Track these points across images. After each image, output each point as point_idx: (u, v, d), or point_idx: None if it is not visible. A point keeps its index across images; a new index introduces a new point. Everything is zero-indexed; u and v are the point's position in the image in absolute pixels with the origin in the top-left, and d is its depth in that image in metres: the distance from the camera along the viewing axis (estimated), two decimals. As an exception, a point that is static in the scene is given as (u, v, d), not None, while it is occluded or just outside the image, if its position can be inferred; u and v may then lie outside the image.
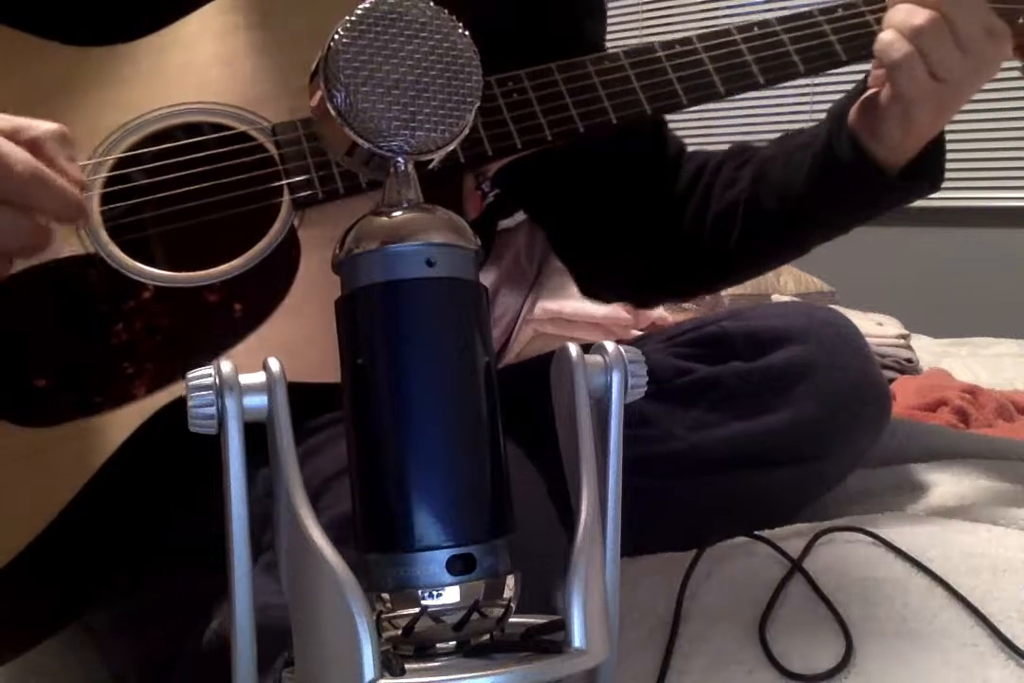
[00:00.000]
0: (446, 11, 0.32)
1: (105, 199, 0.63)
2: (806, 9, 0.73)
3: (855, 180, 0.72)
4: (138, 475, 0.60)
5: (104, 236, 0.63)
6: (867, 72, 0.73)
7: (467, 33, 0.32)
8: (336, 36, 0.30)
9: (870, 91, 0.71)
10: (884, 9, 0.70)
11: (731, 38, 0.72)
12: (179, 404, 0.58)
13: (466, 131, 0.32)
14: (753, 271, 0.93)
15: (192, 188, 0.63)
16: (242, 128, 0.65)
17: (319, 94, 0.31)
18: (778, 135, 0.84)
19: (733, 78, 0.71)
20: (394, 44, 0.31)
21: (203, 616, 0.58)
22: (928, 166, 0.72)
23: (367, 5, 0.31)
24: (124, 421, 0.59)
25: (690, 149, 0.91)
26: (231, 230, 0.63)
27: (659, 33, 2.88)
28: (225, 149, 0.64)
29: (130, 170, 0.64)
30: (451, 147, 0.32)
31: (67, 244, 0.61)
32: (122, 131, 0.64)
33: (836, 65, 0.72)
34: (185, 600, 0.63)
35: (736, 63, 0.72)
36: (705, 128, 2.73)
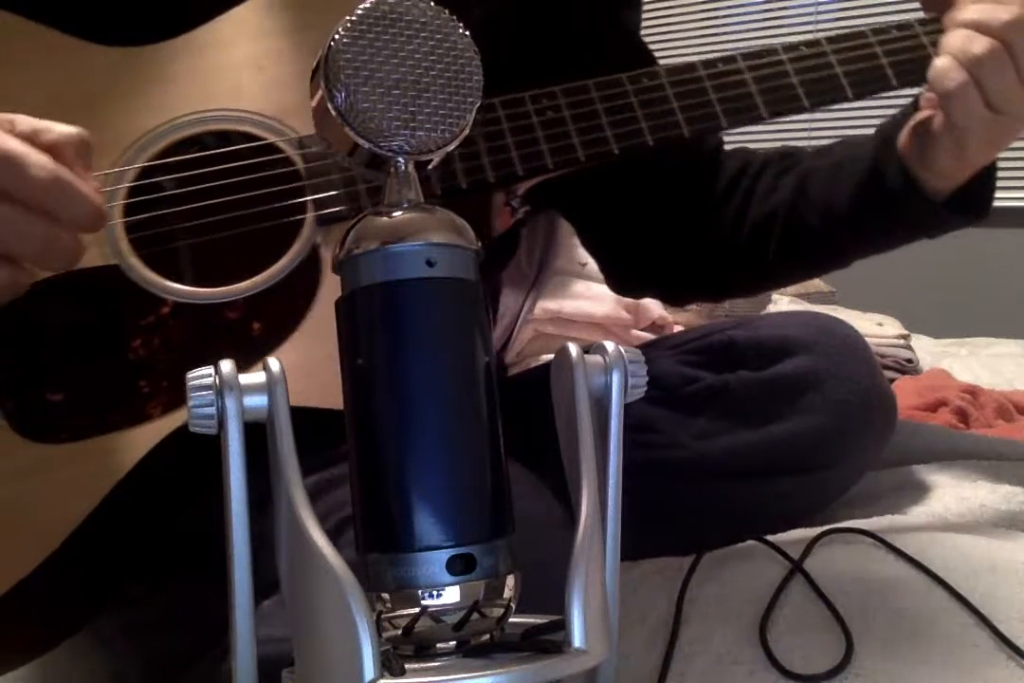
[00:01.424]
0: (446, 11, 0.32)
1: (128, 209, 0.62)
2: (858, 29, 0.70)
3: (901, 205, 0.70)
4: (151, 494, 0.60)
5: (125, 247, 0.61)
6: (917, 93, 0.70)
7: (467, 33, 0.32)
8: (336, 36, 0.30)
9: (922, 114, 0.68)
10: (940, 31, 0.66)
11: (777, 57, 0.69)
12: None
13: (466, 131, 0.32)
14: (791, 279, 0.92)
15: (216, 201, 0.62)
16: (270, 139, 0.64)
17: (319, 94, 0.31)
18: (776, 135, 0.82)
19: (777, 101, 0.68)
20: (394, 44, 0.31)
21: (210, 629, 0.58)
22: (976, 194, 0.70)
23: (367, 5, 0.31)
24: (139, 441, 0.58)
25: (729, 147, 0.89)
26: (255, 245, 0.62)
27: (660, 32, 2.89)
28: (251, 161, 0.63)
29: (154, 180, 0.63)
30: (451, 147, 0.32)
31: (88, 254, 0.59)
32: (148, 137, 0.63)
33: (886, 89, 0.69)
34: (193, 612, 0.63)
35: (781, 85, 0.68)
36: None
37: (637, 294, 1.04)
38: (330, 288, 0.61)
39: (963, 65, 0.62)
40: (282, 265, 0.62)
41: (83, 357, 0.60)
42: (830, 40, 0.70)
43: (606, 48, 0.69)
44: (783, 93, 0.68)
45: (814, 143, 0.85)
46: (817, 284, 1.97)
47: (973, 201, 0.70)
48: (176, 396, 0.59)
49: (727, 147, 0.88)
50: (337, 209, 0.63)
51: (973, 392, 1.23)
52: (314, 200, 0.63)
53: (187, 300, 0.61)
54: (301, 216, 0.63)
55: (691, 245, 0.87)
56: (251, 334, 0.61)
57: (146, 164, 0.63)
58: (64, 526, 0.57)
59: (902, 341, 1.51)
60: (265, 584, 0.32)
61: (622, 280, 0.95)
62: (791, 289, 1.92)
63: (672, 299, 1.03)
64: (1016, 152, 2.46)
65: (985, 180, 0.70)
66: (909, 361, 1.45)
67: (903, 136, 0.70)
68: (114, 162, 0.62)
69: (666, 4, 2.89)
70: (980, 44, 0.62)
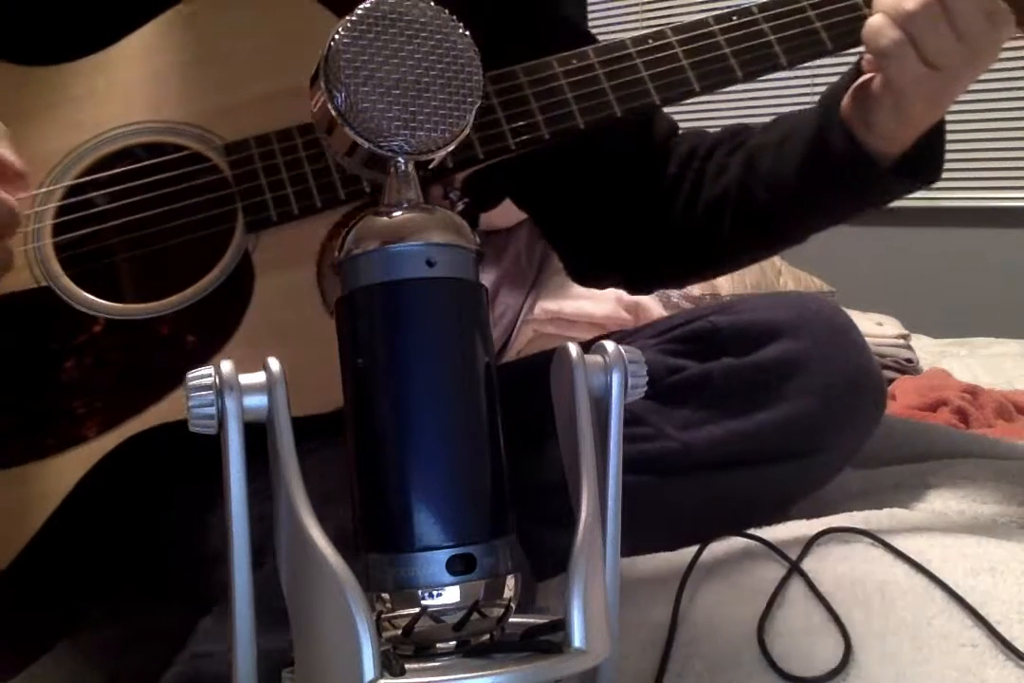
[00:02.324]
0: (446, 11, 0.32)
1: (57, 229, 0.61)
2: None
3: (847, 171, 0.69)
4: (93, 515, 0.59)
5: (56, 268, 0.61)
6: (861, 54, 0.68)
7: (467, 33, 0.32)
8: (336, 36, 0.30)
9: (864, 77, 0.67)
10: None
11: (708, 29, 0.67)
12: (129, 446, 0.57)
13: (466, 131, 0.32)
14: (747, 259, 0.91)
15: (145, 214, 0.61)
16: (195, 148, 0.63)
17: (320, 95, 0.31)
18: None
19: (709, 74, 0.67)
20: (394, 44, 0.31)
21: (174, 646, 0.57)
22: (925, 158, 0.69)
23: (367, 5, 0.31)
24: (76, 463, 0.57)
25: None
26: (188, 256, 0.61)
27: (659, 33, 2.88)
28: (178, 172, 0.62)
29: (82, 198, 0.62)
30: (451, 147, 0.32)
31: (19, 278, 0.59)
32: (74, 155, 0.63)
33: (822, 55, 0.67)
34: (155, 633, 0.63)
35: (712, 57, 0.67)
36: (704, 112, 2.73)
37: (596, 283, 1.03)
38: (263, 295, 0.60)
39: (896, 22, 0.61)
40: (213, 276, 0.61)
41: (15, 383, 0.59)
42: (761, 7, 0.68)
43: (550, 41, 0.68)
44: (715, 65, 0.67)
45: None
46: (817, 284, 1.97)
47: (922, 164, 0.69)
48: (110, 417, 0.58)
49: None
50: (266, 214, 0.62)
51: (973, 392, 1.23)
52: (243, 206, 0.62)
53: (118, 317, 0.60)
54: (231, 224, 0.62)
55: (646, 231, 0.86)
56: (185, 347, 0.60)
57: (73, 182, 0.62)
58: (7, 551, 0.56)
59: (902, 341, 1.51)
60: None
61: (579, 268, 0.94)
62: (791, 289, 1.92)
63: (632, 286, 1.02)
64: (1016, 152, 2.46)
65: (934, 142, 0.69)
66: (909, 361, 1.45)
67: (846, 100, 0.69)
68: (41, 181, 0.62)
69: (666, 4, 2.89)
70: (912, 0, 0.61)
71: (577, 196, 0.87)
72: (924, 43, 0.61)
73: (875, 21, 0.63)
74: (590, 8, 2.81)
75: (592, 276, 0.96)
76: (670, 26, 0.68)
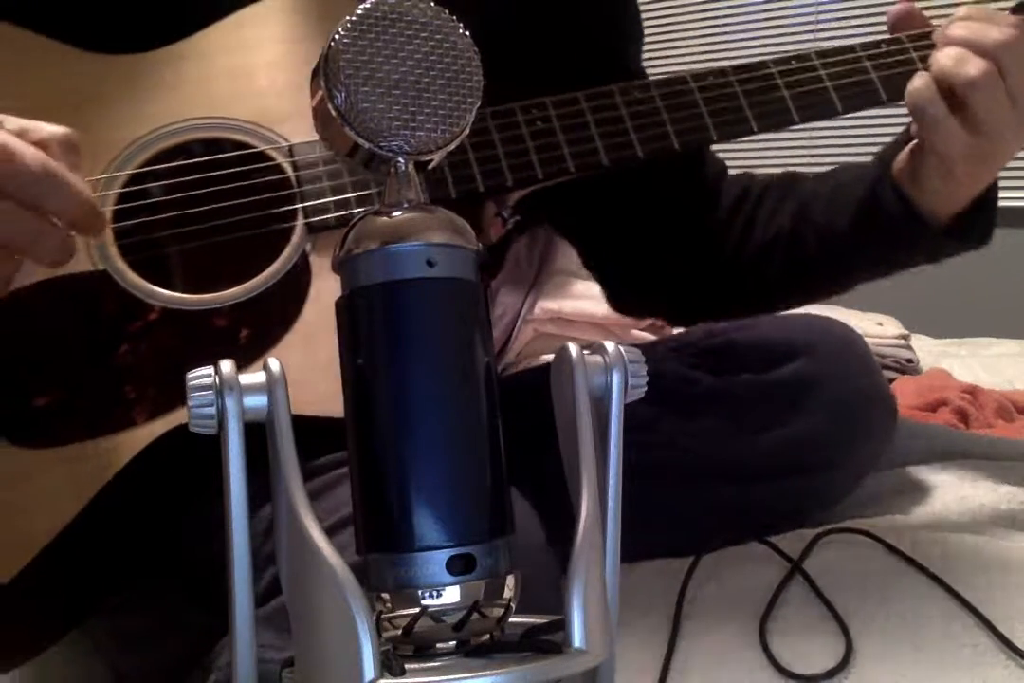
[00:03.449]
0: (446, 11, 0.32)
1: (117, 216, 0.62)
2: (847, 44, 0.70)
3: (898, 230, 0.69)
4: (134, 502, 0.59)
5: (114, 253, 0.61)
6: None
7: (468, 33, 0.32)
8: (336, 36, 0.30)
9: (916, 141, 0.67)
10: (931, 46, 0.65)
11: (767, 71, 0.69)
12: (176, 434, 0.58)
13: (467, 131, 0.32)
14: (795, 303, 0.91)
15: (205, 208, 0.62)
16: (260, 147, 0.64)
17: (319, 94, 0.31)
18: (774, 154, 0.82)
19: (767, 114, 0.68)
20: (394, 44, 0.31)
21: (194, 642, 0.57)
22: (976, 221, 0.68)
23: (367, 5, 0.31)
24: (125, 447, 0.58)
25: (733, 171, 0.89)
26: (244, 252, 0.62)
27: (659, 32, 2.88)
28: (241, 168, 0.63)
29: (144, 186, 0.63)
30: (451, 147, 0.32)
31: (76, 260, 0.60)
32: (138, 145, 0.63)
33: (876, 104, 0.69)
34: (169, 629, 0.63)
35: (771, 99, 0.68)
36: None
37: (637, 313, 1.04)
38: (320, 297, 0.61)
39: (955, 89, 0.60)
40: (271, 272, 0.62)
41: (70, 362, 0.60)
42: (819, 54, 0.70)
43: (602, 76, 0.69)
44: (773, 106, 0.68)
45: (816, 160, 0.85)
46: (817, 284, 1.97)
47: (972, 227, 0.69)
48: (161, 403, 0.59)
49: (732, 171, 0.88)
50: (327, 217, 0.63)
51: (973, 392, 1.23)
52: (304, 208, 0.63)
53: (175, 306, 0.61)
54: (291, 223, 0.63)
55: (692, 269, 0.86)
56: (238, 341, 0.60)
57: (136, 170, 0.63)
58: (48, 531, 0.56)
59: (902, 341, 1.51)
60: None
61: (621, 298, 0.95)
62: (791, 289, 1.92)
63: (674, 320, 1.03)
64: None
65: (986, 205, 0.69)
66: (909, 361, 1.45)
67: (900, 157, 0.69)
68: (104, 169, 0.62)
69: (666, 4, 2.89)
70: (973, 67, 0.59)
71: (623, 231, 0.87)
72: (978, 111, 0.60)
73: (922, 92, 0.61)
74: (590, 8, 2.81)
75: (633, 307, 0.97)
76: (730, 66, 0.70)
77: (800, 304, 0.91)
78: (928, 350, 1.63)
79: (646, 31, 0.88)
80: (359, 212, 0.61)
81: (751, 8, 2.79)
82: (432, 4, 0.31)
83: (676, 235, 0.85)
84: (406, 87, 0.31)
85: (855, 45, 0.70)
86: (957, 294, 2.44)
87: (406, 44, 0.31)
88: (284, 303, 0.61)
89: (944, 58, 0.61)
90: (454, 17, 0.32)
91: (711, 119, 0.68)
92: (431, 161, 0.32)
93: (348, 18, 0.30)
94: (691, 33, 2.88)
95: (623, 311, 0.99)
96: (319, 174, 0.63)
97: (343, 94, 0.30)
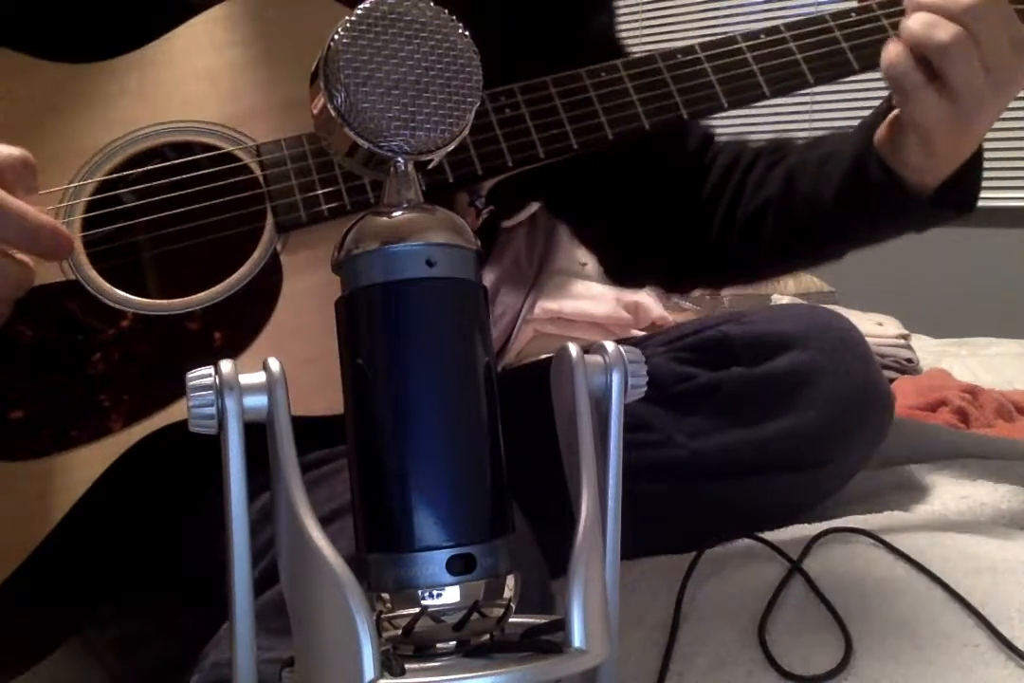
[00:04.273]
0: (446, 11, 0.32)
1: (86, 224, 0.62)
2: (816, 14, 0.69)
3: (883, 200, 0.69)
4: (114, 509, 0.59)
5: (85, 262, 0.61)
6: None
7: (467, 33, 0.32)
8: (336, 36, 0.30)
9: (895, 112, 0.66)
10: (902, 13, 0.63)
11: (736, 46, 0.69)
12: (154, 439, 0.57)
13: (466, 131, 0.32)
14: (785, 270, 0.92)
15: (175, 212, 0.62)
16: (227, 148, 0.64)
17: (319, 95, 0.31)
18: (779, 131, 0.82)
19: (737, 89, 0.68)
20: (394, 44, 0.31)
21: (187, 646, 0.57)
22: (962, 191, 0.68)
23: (367, 5, 0.31)
24: (99, 456, 0.57)
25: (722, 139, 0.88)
26: (215, 254, 0.61)
27: (659, 33, 2.89)
28: (208, 171, 0.63)
29: (113, 193, 0.63)
30: (451, 147, 0.32)
31: (47, 270, 0.59)
32: (106, 152, 0.63)
33: (848, 74, 0.68)
34: (164, 633, 0.62)
35: (741, 73, 0.68)
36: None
37: (634, 284, 1.05)
38: (291, 295, 0.61)
39: (929, 55, 0.59)
40: (242, 273, 0.62)
41: (43, 373, 0.60)
42: (788, 26, 0.69)
43: (581, 53, 0.69)
44: (743, 82, 0.68)
45: (816, 125, 0.84)
46: (817, 284, 1.97)
47: (957, 196, 0.68)
48: (136, 410, 0.58)
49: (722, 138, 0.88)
50: (296, 215, 0.62)
51: (973, 392, 1.23)
52: (273, 206, 0.62)
53: (147, 312, 0.61)
54: (261, 223, 0.62)
55: (684, 237, 0.86)
56: (212, 344, 0.60)
57: (104, 178, 0.63)
58: (26, 545, 0.56)
59: (902, 341, 1.51)
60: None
61: (617, 271, 0.95)
62: (791, 289, 1.92)
63: (670, 289, 1.03)
64: (1015, 152, 2.46)
65: (971, 174, 0.68)
66: (909, 361, 1.45)
67: (881, 129, 0.68)
68: (72, 177, 0.62)
69: (666, 4, 2.89)
70: (943, 31, 0.58)
71: (612, 206, 0.87)
72: (953, 76, 0.59)
73: (897, 62, 0.61)
74: (590, 8, 2.82)
75: (630, 278, 0.97)
76: (697, 43, 0.69)
77: (793, 270, 0.92)
78: (928, 350, 1.63)
79: (646, 31, 0.88)
80: (328, 209, 0.62)
81: (751, 8, 2.79)
82: (432, 4, 0.31)
83: (664, 206, 0.85)
84: (406, 87, 0.31)
85: (824, 14, 0.69)
86: (957, 294, 2.45)
87: (406, 44, 0.31)
88: (256, 304, 0.61)
89: (914, 24, 0.60)
90: (453, 17, 0.32)
91: (680, 97, 0.67)
92: (431, 161, 0.32)
93: (348, 18, 0.30)
94: (691, 33, 2.88)
95: (618, 282, 0.99)
96: (286, 172, 0.63)
97: (343, 94, 0.30)
